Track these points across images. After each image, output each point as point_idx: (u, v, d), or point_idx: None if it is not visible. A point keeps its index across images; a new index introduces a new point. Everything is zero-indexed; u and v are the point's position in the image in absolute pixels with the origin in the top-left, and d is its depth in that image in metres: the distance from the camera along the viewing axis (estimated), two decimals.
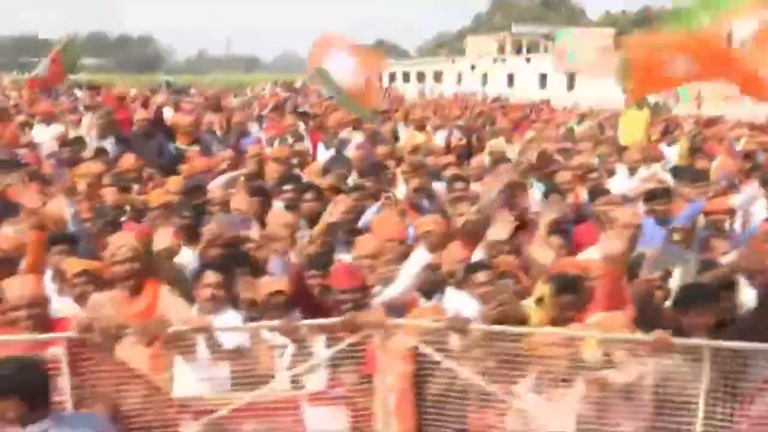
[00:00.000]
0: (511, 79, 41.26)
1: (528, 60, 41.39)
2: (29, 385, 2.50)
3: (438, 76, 47.27)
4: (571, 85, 37.08)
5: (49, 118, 9.95)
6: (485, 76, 42.99)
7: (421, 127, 9.03)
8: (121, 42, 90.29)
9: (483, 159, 8.60)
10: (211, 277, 3.66)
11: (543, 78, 39.32)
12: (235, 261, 3.92)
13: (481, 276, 3.73)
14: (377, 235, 4.41)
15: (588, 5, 71.44)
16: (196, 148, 8.13)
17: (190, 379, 3.33)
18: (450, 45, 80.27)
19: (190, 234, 4.81)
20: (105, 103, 10.05)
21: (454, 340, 3.32)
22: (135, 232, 4.28)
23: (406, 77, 50.00)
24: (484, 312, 3.32)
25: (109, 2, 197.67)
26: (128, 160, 6.64)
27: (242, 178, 6.27)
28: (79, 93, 14.51)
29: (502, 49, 52.32)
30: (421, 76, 49.06)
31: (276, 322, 3.35)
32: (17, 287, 3.27)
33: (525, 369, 3.26)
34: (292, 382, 3.36)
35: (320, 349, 3.37)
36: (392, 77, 50.90)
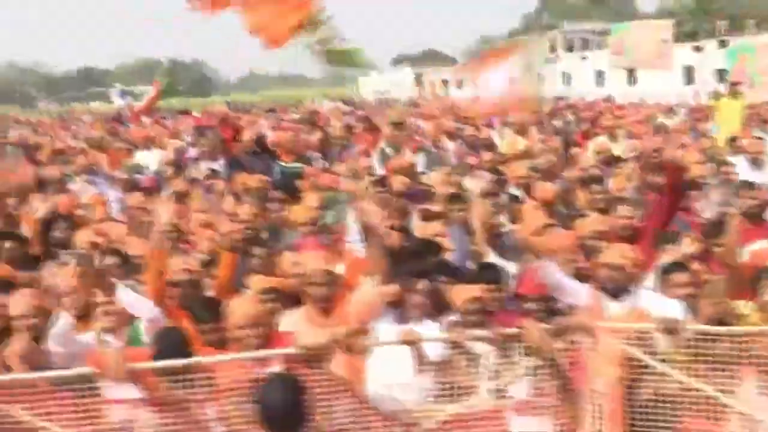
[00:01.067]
0: (566, 77, 40.69)
1: (584, 57, 40.72)
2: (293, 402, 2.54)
3: None
4: (632, 80, 36.32)
5: (148, 144, 10.27)
6: (540, 76, 42.52)
7: (521, 131, 8.93)
8: (173, 66, 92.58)
9: (587, 157, 8.48)
10: (420, 284, 3.68)
11: (600, 75, 38.64)
12: (436, 270, 3.90)
13: (682, 276, 3.63)
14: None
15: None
16: (299, 165, 8.24)
17: (394, 391, 3.32)
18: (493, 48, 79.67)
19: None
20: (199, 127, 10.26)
21: (662, 343, 3.23)
22: (320, 251, 4.30)
23: (459, 84, 49.85)
24: (700, 311, 3.22)
25: (158, 28, 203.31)
26: (253, 179, 6.71)
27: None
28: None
29: (553, 48, 51.67)
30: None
31: (482, 332, 3.32)
32: (241, 307, 3.34)
33: (740, 371, 3.15)
34: (495, 391, 3.32)
35: (522, 357, 3.32)
36: (445, 83, 50.86)
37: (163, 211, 4.03)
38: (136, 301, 3.78)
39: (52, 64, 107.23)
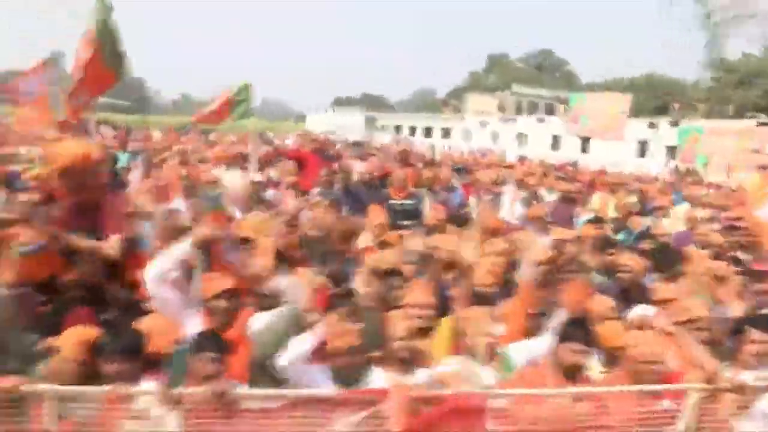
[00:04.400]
0: (522, 138, 42.18)
1: (541, 120, 42.43)
2: None
3: (447, 132, 48.09)
4: (584, 148, 38.05)
5: (222, 162, 9.87)
6: (495, 134, 43.89)
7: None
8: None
9: None
10: (757, 335, 3.68)
11: (556, 139, 40.30)
12: None
13: None
14: None
15: (581, 70, 74.57)
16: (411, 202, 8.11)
17: None
18: (432, 102, 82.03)
19: None
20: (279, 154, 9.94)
21: None
22: None
23: (412, 131, 50.74)
24: None
25: None
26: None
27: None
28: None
29: (502, 108, 53.65)
30: (428, 131, 49.84)
31: None
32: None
33: None
34: None
35: None
36: (398, 129, 51.64)
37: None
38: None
39: None
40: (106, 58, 6.98)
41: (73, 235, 3.96)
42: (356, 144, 13.75)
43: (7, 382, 2.84)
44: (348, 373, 3.28)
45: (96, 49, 6.91)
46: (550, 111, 51.28)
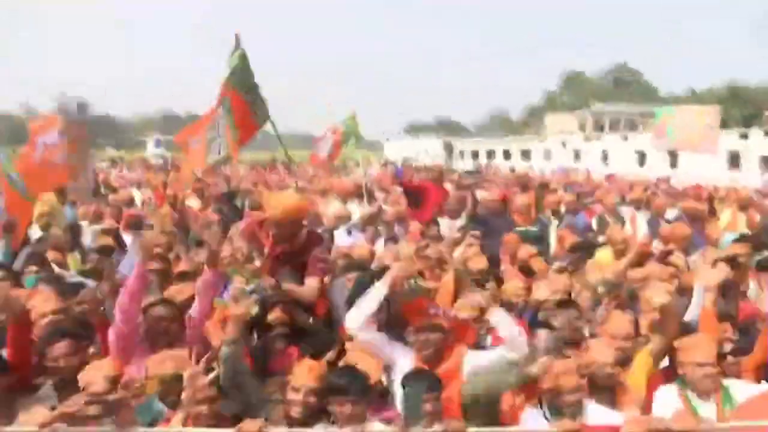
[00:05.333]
0: (605, 155, 41.46)
1: (625, 137, 41.62)
2: None
3: (526, 154, 47.77)
4: (674, 163, 37.03)
5: (344, 196, 10.25)
6: (577, 152, 43.30)
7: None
8: (190, 119, 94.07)
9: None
10: None
11: (642, 156, 39.41)
12: None
13: None
14: None
15: (659, 83, 72.38)
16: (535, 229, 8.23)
17: None
18: (506, 123, 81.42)
19: None
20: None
21: None
22: None
23: (489, 154, 50.66)
24: None
25: (176, 82, 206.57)
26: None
27: None
28: None
29: (582, 127, 52.89)
30: (506, 154, 49.65)
31: None
32: None
33: None
34: None
35: None
36: (475, 154, 51.63)
37: None
38: None
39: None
40: (249, 104, 7.47)
41: (289, 285, 4.32)
42: (470, 173, 13.94)
43: (253, 426, 3.02)
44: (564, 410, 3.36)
45: (237, 95, 7.40)
46: (632, 127, 50.19)
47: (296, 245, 4.51)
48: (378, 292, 3.82)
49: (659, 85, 72.67)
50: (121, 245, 7.20)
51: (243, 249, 4.38)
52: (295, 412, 3.36)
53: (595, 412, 3.39)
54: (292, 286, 4.34)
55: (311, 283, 4.41)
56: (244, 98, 7.31)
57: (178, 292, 4.58)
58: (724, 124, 40.69)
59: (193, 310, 4.08)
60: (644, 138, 39.18)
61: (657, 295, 3.80)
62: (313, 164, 10.66)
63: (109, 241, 6.91)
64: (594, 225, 8.87)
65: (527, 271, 6.14)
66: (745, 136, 34.95)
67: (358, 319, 3.73)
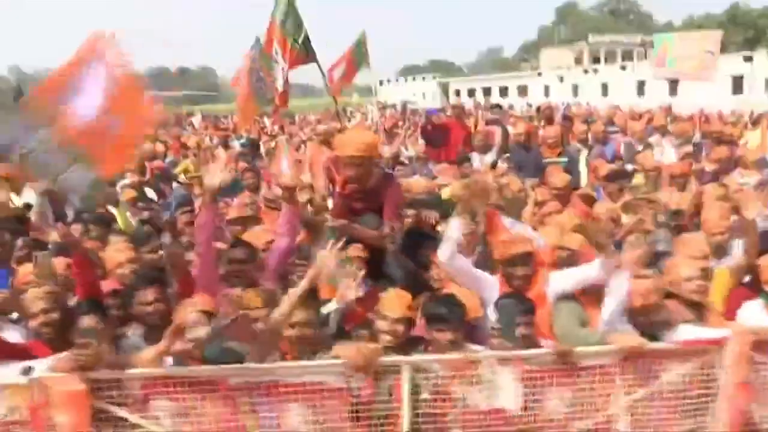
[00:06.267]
0: (605, 88, 41.19)
1: (623, 68, 41.25)
2: None
3: (523, 90, 47.41)
4: (674, 90, 36.76)
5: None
6: (575, 87, 43.00)
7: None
8: (182, 75, 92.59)
9: None
10: None
11: (641, 85, 39.12)
12: None
13: None
14: None
15: (657, 13, 71.05)
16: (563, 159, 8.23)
17: None
18: (500, 61, 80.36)
19: None
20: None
21: None
22: None
23: (486, 92, 50.28)
24: None
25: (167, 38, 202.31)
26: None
27: None
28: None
29: (579, 61, 52.32)
30: (503, 91, 49.26)
31: None
32: None
33: None
34: None
35: None
36: (471, 93, 51.21)
37: None
38: None
39: None
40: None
41: (356, 225, 4.18)
42: (493, 107, 13.79)
43: (368, 350, 3.08)
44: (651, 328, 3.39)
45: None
46: (629, 58, 49.66)
47: (368, 185, 4.31)
48: (456, 223, 3.81)
49: (656, 14, 71.45)
50: (146, 199, 7.17)
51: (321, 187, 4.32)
52: (385, 340, 3.39)
53: (685, 329, 3.41)
54: (361, 229, 4.18)
55: (388, 226, 4.23)
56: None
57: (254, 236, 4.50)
58: (724, 49, 40.37)
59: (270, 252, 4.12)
60: (642, 66, 38.89)
61: (748, 208, 3.77)
62: (330, 84, 9.93)
63: (133, 194, 6.89)
64: (623, 152, 8.86)
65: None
66: (749, 59, 34.59)
67: (446, 251, 3.76)
